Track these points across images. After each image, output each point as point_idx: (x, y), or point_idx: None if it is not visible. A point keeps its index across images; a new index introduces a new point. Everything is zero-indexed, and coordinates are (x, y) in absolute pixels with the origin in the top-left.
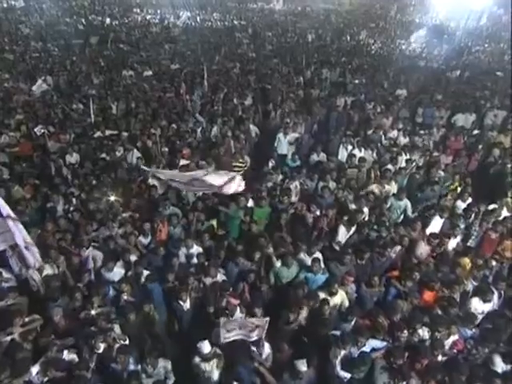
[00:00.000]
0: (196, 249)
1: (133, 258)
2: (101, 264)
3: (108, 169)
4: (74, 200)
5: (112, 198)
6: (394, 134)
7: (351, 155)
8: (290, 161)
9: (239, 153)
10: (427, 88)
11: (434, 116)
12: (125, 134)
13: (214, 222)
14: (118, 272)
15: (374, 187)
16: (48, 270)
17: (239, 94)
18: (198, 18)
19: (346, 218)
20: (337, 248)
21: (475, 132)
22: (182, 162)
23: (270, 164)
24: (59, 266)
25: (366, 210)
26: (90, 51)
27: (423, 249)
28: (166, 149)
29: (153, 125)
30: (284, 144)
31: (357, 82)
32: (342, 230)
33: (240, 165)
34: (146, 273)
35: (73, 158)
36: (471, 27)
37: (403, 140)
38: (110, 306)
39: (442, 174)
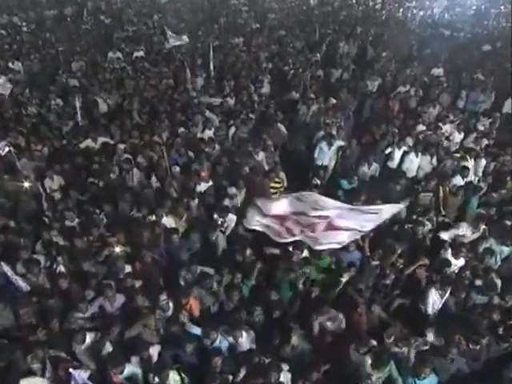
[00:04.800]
0: (247, 338)
1: (153, 350)
2: None
3: (102, 200)
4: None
5: (118, 250)
6: (446, 129)
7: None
8: (346, 182)
9: (274, 169)
10: (460, 64)
11: (477, 101)
12: (121, 146)
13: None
14: (132, 372)
15: (465, 228)
16: None
17: (252, 79)
18: None
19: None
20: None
21: None
22: (201, 186)
23: (314, 183)
24: None
25: (461, 261)
26: (65, 26)
27: None
28: (177, 168)
29: (154, 129)
30: (328, 155)
31: (384, 55)
32: (433, 295)
33: (277, 186)
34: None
35: (54, 182)
36: None
37: (458, 137)
38: None
39: None
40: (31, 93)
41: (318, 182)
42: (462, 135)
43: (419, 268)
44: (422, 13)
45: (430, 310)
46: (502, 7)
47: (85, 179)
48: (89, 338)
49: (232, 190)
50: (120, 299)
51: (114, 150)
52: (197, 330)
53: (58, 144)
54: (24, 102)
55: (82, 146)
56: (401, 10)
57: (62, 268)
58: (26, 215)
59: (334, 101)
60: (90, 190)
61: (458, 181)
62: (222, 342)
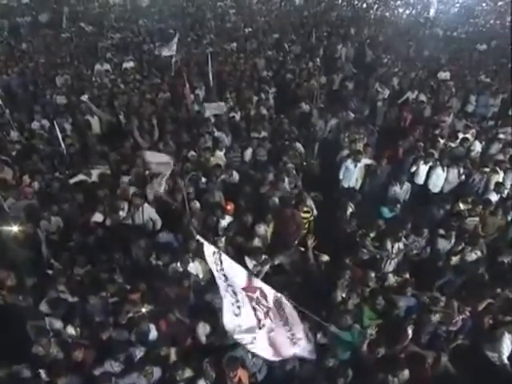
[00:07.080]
0: None
1: None
2: None
3: (112, 245)
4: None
5: (144, 310)
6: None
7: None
8: (386, 209)
9: (301, 197)
10: (463, 66)
11: (488, 105)
12: (125, 178)
13: None
14: None
15: None
16: None
17: (255, 89)
18: None
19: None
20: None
21: None
22: (225, 221)
23: (350, 210)
24: None
25: None
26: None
27: None
28: (198, 203)
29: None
30: (354, 175)
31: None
32: (506, 340)
33: (306, 216)
34: None
35: (52, 225)
36: None
37: (478, 146)
38: None
39: None
40: (12, 114)
41: (353, 206)
42: (482, 145)
43: (487, 310)
44: (407, 11)
45: (505, 359)
46: (483, 4)
47: (87, 219)
48: None
49: (261, 229)
50: (156, 373)
51: (113, 181)
52: None
53: (50, 176)
54: (4, 125)
55: (73, 181)
56: (387, 9)
57: (74, 334)
58: (22, 268)
59: (352, 115)
60: (96, 232)
61: (493, 197)
62: None
